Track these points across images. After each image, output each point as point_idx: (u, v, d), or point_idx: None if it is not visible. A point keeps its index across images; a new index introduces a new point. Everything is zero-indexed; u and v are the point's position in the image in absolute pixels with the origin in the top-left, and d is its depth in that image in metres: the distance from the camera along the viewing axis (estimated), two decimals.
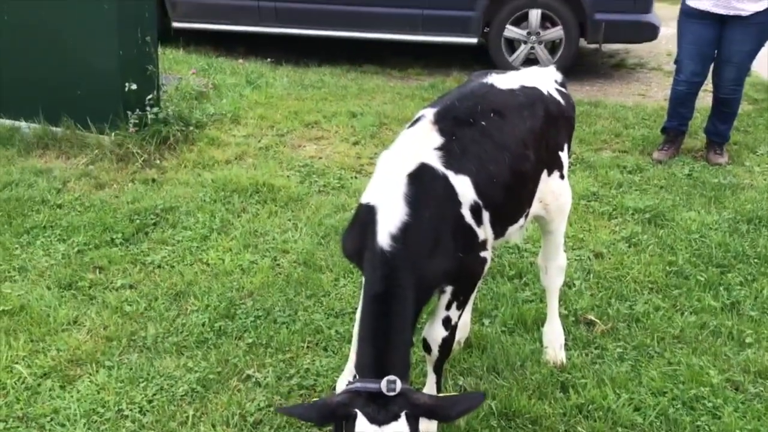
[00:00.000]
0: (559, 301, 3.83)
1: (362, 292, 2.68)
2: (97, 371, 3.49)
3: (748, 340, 3.76)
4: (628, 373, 3.53)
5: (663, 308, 4.06)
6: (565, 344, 3.70)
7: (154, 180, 5.60)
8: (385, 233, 2.61)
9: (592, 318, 3.96)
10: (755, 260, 4.52)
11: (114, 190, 5.45)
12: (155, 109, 6.02)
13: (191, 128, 6.29)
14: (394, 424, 2.41)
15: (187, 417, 3.20)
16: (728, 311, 4.02)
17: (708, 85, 6.35)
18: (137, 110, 5.95)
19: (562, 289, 4.00)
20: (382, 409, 2.41)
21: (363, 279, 2.72)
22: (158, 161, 5.86)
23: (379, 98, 7.78)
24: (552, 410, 3.27)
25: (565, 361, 3.61)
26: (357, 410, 2.40)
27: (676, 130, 6.27)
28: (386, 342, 2.54)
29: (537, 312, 3.96)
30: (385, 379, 2.42)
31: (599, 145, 6.54)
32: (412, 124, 2.97)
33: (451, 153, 2.79)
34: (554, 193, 3.34)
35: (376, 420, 2.40)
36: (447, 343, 2.98)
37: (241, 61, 8.97)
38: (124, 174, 5.68)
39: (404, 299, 2.59)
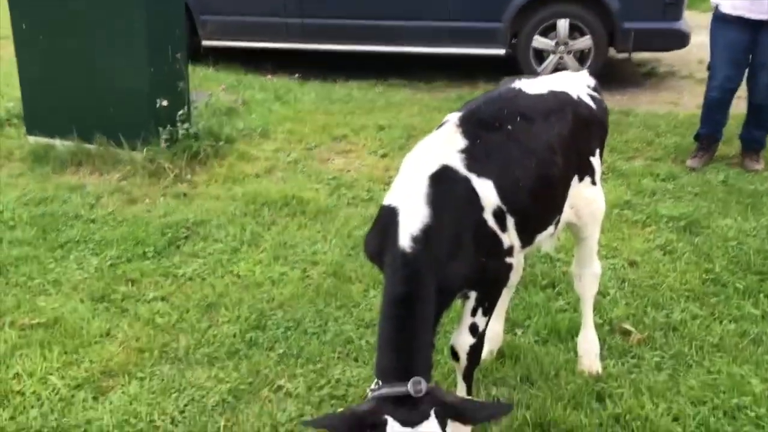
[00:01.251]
0: (594, 310, 3.76)
1: (383, 295, 2.64)
2: (129, 382, 3.50)
3: None
4: (666, 383, 3.44)
5: (701, 316, 3.96)
6: (601, 353, 3.62)
7: (185, 194, 5.65)
8: (406, 235, 2.58)
9: (628, 327, 3.88)
10: None
11: (146, 204, 5.51)
12: (186, 125, 6.10)
13: (221, 143, 6.35)
14: (425, 423, 2.36)
15: (219, 428, 3.19)
16: None
17: (742, 91, 6.24)
18: (168, 126, 6.04)
19: (597, 298, 3.93)
20: (412, 410, 2.36)
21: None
22: (189, 176, 5.91)
23: (406, 111, 7.79)
24: (588, 420, 3.19)
25: (600, 370, 3.53)
26: (387, 416, 2.36)
27: (710, 137, 6.16)
28: (409, 345, 2.49)
29: (571, 321, 3.89)
30: (411, 380, 2.37)
31: (631, 154, 6.45)
32: (437, 129, 2.95)
33: (474, 156, 2.76)
34: (586, 200, 3.28)
35: (408, 422, 2.34)
36: (475, 351, 2.93)
37: (269, 77, 9.06)
38: (155, 189, 5.74)
39: (426, 301, 2.54)
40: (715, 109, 6.08)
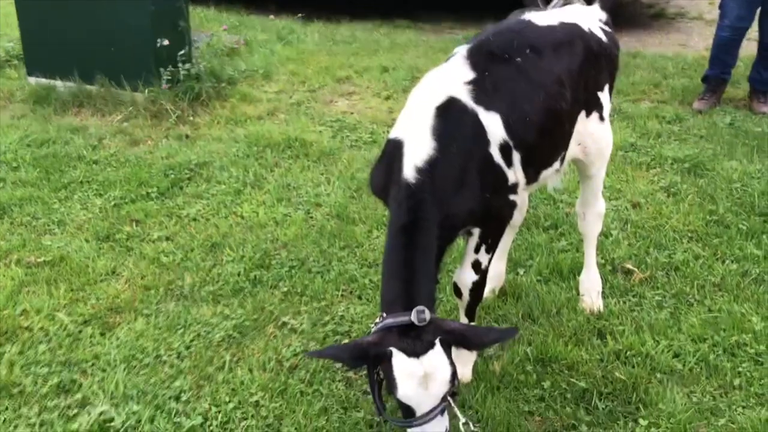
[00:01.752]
0: (597, 250, 3.77)
1: (387, 227, 2.64)
2: (135, 319, 3.54)
3: None
4: (667, 321, 3.47)
5: (703, 257, 3.98)
6: (602, 292, 3.64)
7: (187, 136, 5.62)
8: (411, 166, 2.56)
9: (630, 266, 3.89)
10: None
11: (148, 146, 5.49)
12: (187, 66, 6.03)
13: (223, 84, 6.29)
14: (431, 353, 2.34)
15: (224, 362, 3.24)
16: None
17: (752, 32, 6.12)
18: (170, 67, 5.97)
19: (599, 238, 3.94)
20: (416, 340, 2.34)
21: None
22: (191, 117, 5.87)
23: (411, 52, 7.68)
24: (589, 356, 3.23)
25: (602, 308, 3.56)
26: (392, 348, 2.35)
27: (718, 78, 6.08)
28: (412, 274, 2.48)
29: (573, 261, 3.91)
30: (414, 309, 2.35)
31: (638, 96, 6.38)
32: (446, 61, 2.90)
33: (482, 89, 2.71)
34: (593, 136, 3.23)
35: (413, 353, 2.33)
36: (477, 287, 2.94)
37: (272, 17, 8.92)
38: (158, 130, 5.71)
39: (429, 232, 2.53)
40: (724, 50, 5.98)
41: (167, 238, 4.26)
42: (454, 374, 2.38)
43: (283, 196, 4.74)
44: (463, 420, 2.43)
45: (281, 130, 5.67)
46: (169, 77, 5.96)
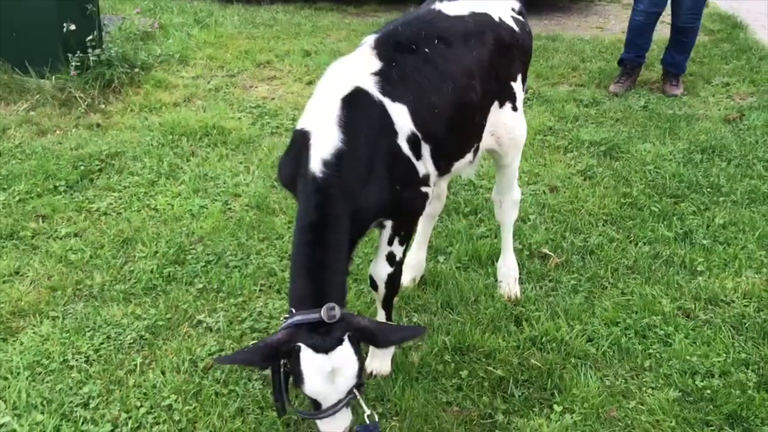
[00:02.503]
0: (514, 235, 3.81)
1: (295, 221, 2.58)
2: (41, 322, 3.38)
3: (700, 268, 3.78)
4: (582, 305, 3.53)
5: (617, 240, 4.06)
6: (519, 278, 3.68)
7: (98, 125, 5.40)
8: (317, 160, 2.51)
9: (547, 251, 3.95)
10: (708, 189, 4.53)
11: (57, 136, 5.24)
12: (97, 51, 5.78)
13: (136, 70, 6.06)
14: (339, 349, 2.35)
15: (136, 365, 3.12)
16: (681, 241, 4.04)
17: (666, 16, 6.28)
18: (78, 52, 5.70)
19: (517, 223, 3.98)
20: (325, 336, 2.34)
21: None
22: (103, 105, 5.64)
23: (334, 36, 7.58)
24: (505, 343, 3.26)
25: (519, 294, 3.60)
26: (300, 344, 2.33)
27: (634, 61, 6.22)
28: (322, 271, 2.45)
29: (491, 247, 3.93)
30: (325, 306, 2.35)
31: (556, 80, 6.46)
32: (355, 51, 2.84)
33: (388, 79, 2.66)
34: (507, 126, 3.24)
35: (321, 348, 2.33)
36: (392, 279, 2.92)
37: None
38: (67, 119, 5.47)
39: (338, 228, 2.49)
40: (639, 34, 6.11)
41: (76, 235, 4.08)
42: (360, 369, 2.42)
43: (199, 187, 4.60)
44: (367, 412, 2.45)
45: (198, 118, 5.50)
46: (78, 63, 5.70)
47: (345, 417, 2.46)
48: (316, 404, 2.44)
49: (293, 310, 2.44)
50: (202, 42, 7.15)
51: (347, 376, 2.37)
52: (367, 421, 2.48)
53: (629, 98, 6.04)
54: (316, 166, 2.50)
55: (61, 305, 3.50)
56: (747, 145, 5.08)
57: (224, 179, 4.71)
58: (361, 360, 2.43)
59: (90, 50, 5.73)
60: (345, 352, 2.36)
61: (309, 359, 2.34)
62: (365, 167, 2.58)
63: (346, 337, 2.36)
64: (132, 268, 3.78)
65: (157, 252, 3.91)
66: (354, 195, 2.53)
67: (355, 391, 2.44)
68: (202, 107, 5.78)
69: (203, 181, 4.68)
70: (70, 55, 5.68)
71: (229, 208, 4.41)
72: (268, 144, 5.20)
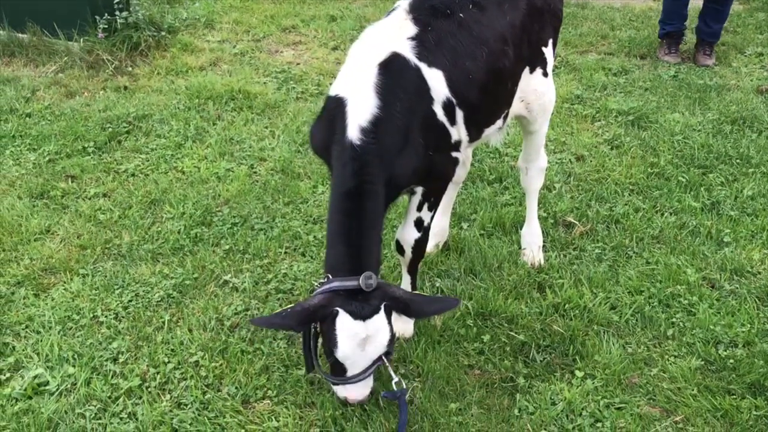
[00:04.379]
0: (539, 204, 3.80)
1: (331, 188, 2.60)
2: (71, 279, 3.45)
3: (726, 239, 3.75)
4: (606, 273, 3.52)
5: (643, 209, 4.04)
6: (543, 246, 3.68)
7: (126, 87, 5.43)
8: (355, 126, 2.51)
9: (572, 220, 3.93)
10: (737, 161, 4.47)
11: (85, 98, 5.29)
12: (124, 14, 5.79)
13: (163, 33, 6.07)
14: (375, 317, 2.42)
15: (164, 322, 3.19)
16: (708, 211, 4.00)
17: None
18: (106, 15, 5.73)
19: (542, 192, 3.97)
20: (363, 304, 2.41)
21: (331, 175, 2.65)
22: (130, 68, 5.67)
23: (359, 1, 7.51)
24: (528, 309, 3.28)
25: (542, 262, 3.60)
26: (338, 308, 2.39)
27: (679, 30, 6.10)
28: (359, 239, 2.50)
29: (516, 215, 3.93)
30: (363, 275, 2.41)
31: (585, 48, 6.37)
32: (387, 16, 2.83)
33: (425, 44, 2.65)
34: (537, 92, 3.21)
35: (360, 315, 2.40)
36: (419, 245, 2.94)
37: None
38: (95, 82, 5.51)
39: (375, 195, 2.52)
40: (679, 3, 5.99)
41: (104, 195, 4.14)
42: (392, 338, 2.48)
43: (225, 151, 4.63)
44: (395, 379, 2.50)
45: (224, 82, 5.52)
46: (106, 26, 5.73)
47: (369, 384, 2.54)
48: (341, 368, 2.49)
49: (329, 276, 2.48)
50: (228, 6, 7.14)
51: (378, 344, 2.44)
52: (395, 388, 2.52)
53: (659, 67, 5.94)
54: (353, 133, 2.51)
55: (90, 263, 3.57)
56: None
57: (250, 143, 4.73)
58: (393, 330, 2.49)
59: (117, 13, 5.75)
60: (380, 320, 2.43)
61: (346, 325, 2.40)
62: (401, 134, 2.59)
63: (382, 306, 2.42)
64: (159, 229, 3.84)
65: (184, 213, 3.95)
66: (390, 162, 2.55)
67: (384, 358, 2.49)
68: (227, 71, 5.79)
69: (229, 144, 4.71)
70: (97, 17, 5.71)
71: (255, 172, 4.44)
72: (293, 109, 5.20)
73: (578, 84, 5.60)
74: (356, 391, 2.56)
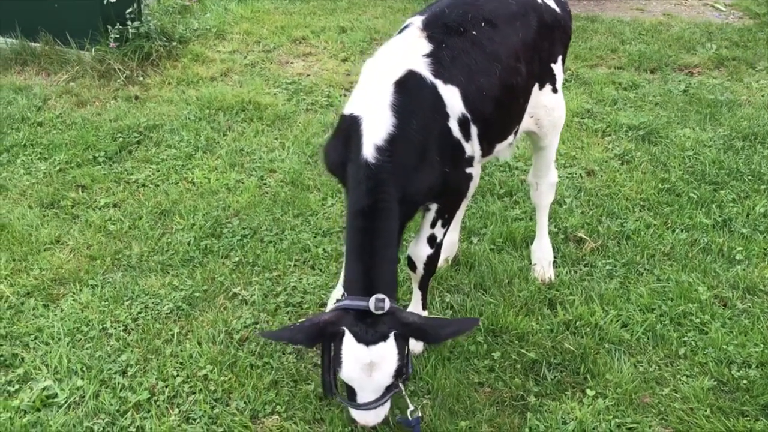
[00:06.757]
0: (549, 219, 3.78)
1: (346, 207, 2.60)
2: (80, 290, 3.45)
3: (738, 256, 3.73)
4: (617, 290, 3.50)
5: (654, 225, 4.01)
6: (554, 262, 3.66)
7: (137, 97, 5.45)
8: (370, 145, 2.51)
9: (582, 235, 3.92)
10: (749, 177, 4.45)
11: (96, 107, 5.31)
12: (136, 23, 5.82)
13: (174, 44, 6.09)
14: (381, 344, 2.38)
15: (173, 335, 3.18)
16: (719, 228, 3.98)
17: None
18: (118, 25, 5.75)
19: (553, 207, 3.95)
20: (370, 328, 2.38)
21: (346, 193, 2.65)
22: (141, 78, 5.69)
23: (369, 12, 7.53)
24: (539, 326, 3.26)
25: (553, 278, 3.58)
26: (345, 328, 2.37)
27: None
28: (373, 258, 2.48)
29: (526, 230, 3.91)
30: (374, 297, 2.38)
31: (595, 62, 6.36)
32: (399, 33, 2.83)
33: (440, 61, 2.65)
34: (546, 108, 3.21)
35: (363, 339, 2.37)
36: (432, 261, 2.93)
37: None
38: (106, 91, 5.53)
39: (390, 214, 2.51)
40: None
41: (114, 205, 4.15)
42: (401, 368, 2.43)
43: (235, 162, 4.64)
44: (411, 408, 2.48)
45: (235, 92, 5.53)
46: (118, 35, 5.76)
47: (381, 411, 2.51)
48: (350, 390, 2.48)
49: (346, 294, 2.48)
50: (239, 17, 7.16)
51: (385, 372, 2.40)
52: (410, 417, 2.50)
53: (669, 82, 5.93)
54: (368, 152, 2.50)
55: (100, 274, 3.57)
56: None
57: (260, 155, 4.74)
58: (403, 359, 2.44)
59: (129, 23, 5.78)
60: (387, 348, 2.39)
61: (349, 346, 2.38)
62: (417, 152, 2.59)
63: (391, 335, 2.38)
64: (169, 240, 3.84)
65: (194, 225, 3.95)
66: (406, 180, 2.55)
67: (400, 384, 2.46)
68: (238, 82, 5.80)
69: (239, 155, 4.72)
70: (109, 27, 5.74)
71: (265, 184, 4.44)
72: (303, 120, 5.20)
73: (588, 98, 5.59)
74: (367, 417, 2.53)
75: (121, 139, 4.82)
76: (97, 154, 4.63)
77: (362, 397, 2.45)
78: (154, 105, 5.32)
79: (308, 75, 6.04)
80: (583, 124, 5.19)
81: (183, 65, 5.96)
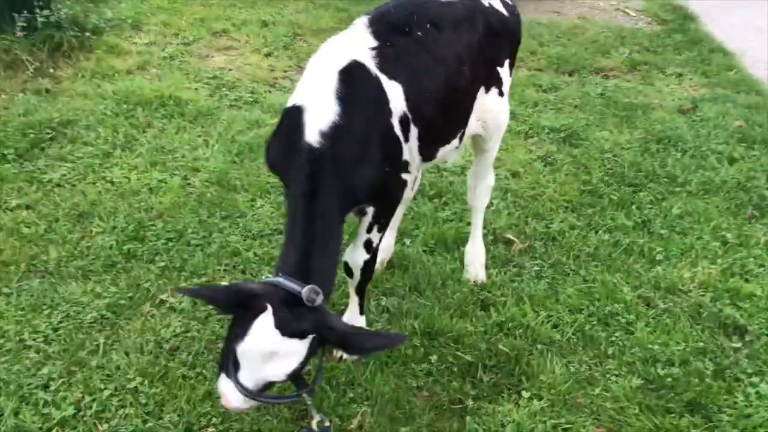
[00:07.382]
0: None
1: (288, 195, 2.52)
2: None
3: (658, 257, 3.88)
4: (546, 291, 3.58)
5: (578, 227, 4.13)
6: (485, 263, 3.71)
7: (48, 90, 5.17)
8: (314, 130, 2.46)
9: (511, 236, 3.98)
10: (665, 179, 4.64)
11: (3, 100, 5.00)
12: (45, 12, 5.52)
13: (87, 34, 5.81)
14: (296, 341, 2.24)
15: (98, 345, 3.03)
16: (640, 229, 4.13)
17: None
18: (25, 12, 5.43)
19: None
20: (294, 320, 2.23)
21: (286, 195, 2.58)
22: (52, 70, 5.39)
23: (291, 6, 7.42)
24: (473, 328, 3.29)
25: (485, 279, 3.62)
26: (269, 305, 2.21)
27: None
28: (312, 244, 2.41)
29: (457, 231, 3.95)
30: (309, 287, 2.26)
31: (516, 63, 6.47)
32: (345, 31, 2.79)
33: (385, 56, 2.63)
34: (493, 111, 3.24)
35: (281, 327, 2.21)
36: (368, 266, 2.91)
37: None
38: (13, 83, 5.21)
39: (331, 200, 2.46)
40: None
41: (27, 207, 3.92)
42: (297, 372, 2.30)
43: (157, 160, 4.46)
44: (317, 418, 2.39)
45: (153, 87, 5.32)
46: (25, 24, 5.44)
47: (247, 404, 2.34)
48: (232, 362, 2.28)
49: (280, 273, 2.36)
50: (155, 7, 6.90)
51: (280, 368, 2.26)
52: (315, 428, 2.39)
53: (587, 85, 6.12)
54: (312, 137, 2.46)
55: (14, 281, 3.36)
56: (701, 136, 5.21)
57: (182, 153, 4.58)
58: (305, 362, 2.31)
59: (38, 11, 5.47)
60: (298, 347, 2.26)
61: (264, 327, 2.21)
62: (360, 144, 2.56)
63: (310, 337, 2.26)
64: (89, 244, 3.65)
65: (115, 227, 3.78)
66: (348, 171, 2.51)
67: (305, 395, 2.36)
68: (157, 76, 5.59)
69: (161, 153, 4.54)
70: (15, 14, 5.41)
71: (189, 184, 4.29)
72: (227, 117, 5.07)
73: (511, 99, 5.67)
74: (232, 396, 2.31)
75: (32, 135, 4.55)
76: (6, 152, 4.36)
77: (243, 378, 2.26)
78: (68, 99, 5.05)
79: (230, 69, 5.89)
80: (508, 126, 5.26)
81: (97, 57, 5.68)
